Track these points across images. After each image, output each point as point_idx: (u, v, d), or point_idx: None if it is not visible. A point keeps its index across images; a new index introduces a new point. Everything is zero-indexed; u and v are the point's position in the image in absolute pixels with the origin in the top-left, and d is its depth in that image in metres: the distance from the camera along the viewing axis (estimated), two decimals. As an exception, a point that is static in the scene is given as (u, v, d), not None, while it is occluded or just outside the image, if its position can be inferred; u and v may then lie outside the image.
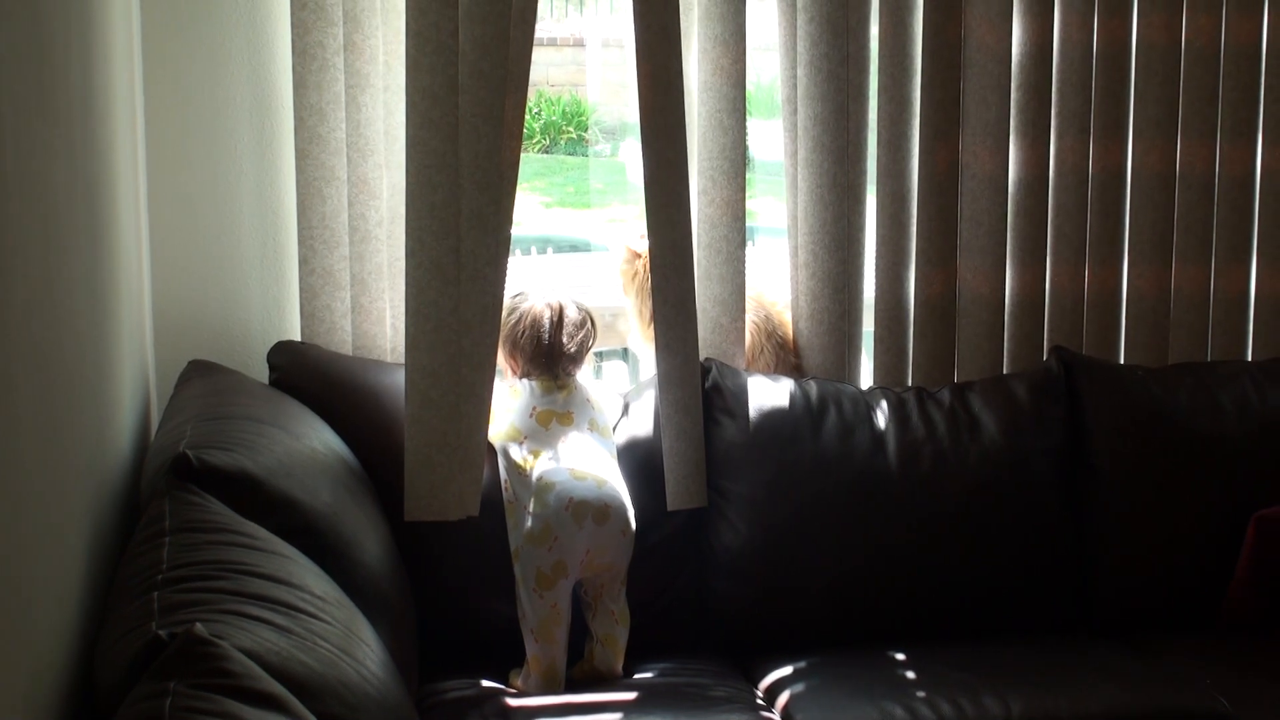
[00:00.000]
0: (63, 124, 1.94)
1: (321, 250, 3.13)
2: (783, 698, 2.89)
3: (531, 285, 3.15)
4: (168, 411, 2.73)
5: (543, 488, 2.91)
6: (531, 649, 2.92)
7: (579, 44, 4.48)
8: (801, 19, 3.27)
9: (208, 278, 3.19)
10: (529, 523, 2.91)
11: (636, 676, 2.97)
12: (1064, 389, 3.32)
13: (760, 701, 2.88)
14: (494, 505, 2.99)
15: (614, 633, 2.98)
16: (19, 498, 1.59)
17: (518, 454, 2.97)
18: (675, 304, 3.06)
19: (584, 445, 3.00)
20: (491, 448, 3.03)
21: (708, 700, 2.82)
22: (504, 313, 3.05)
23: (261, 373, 3.09)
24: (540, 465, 2.94)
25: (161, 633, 1.67)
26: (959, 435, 3.22)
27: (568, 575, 2.90)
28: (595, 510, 2.90)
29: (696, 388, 3.11)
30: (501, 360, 3.09)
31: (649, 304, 3.14)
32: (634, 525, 2.97)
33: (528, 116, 3.01)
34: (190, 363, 3.02)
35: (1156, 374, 3.42)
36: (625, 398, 3.23)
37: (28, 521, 1.64)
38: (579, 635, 2.99)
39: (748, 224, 3.30)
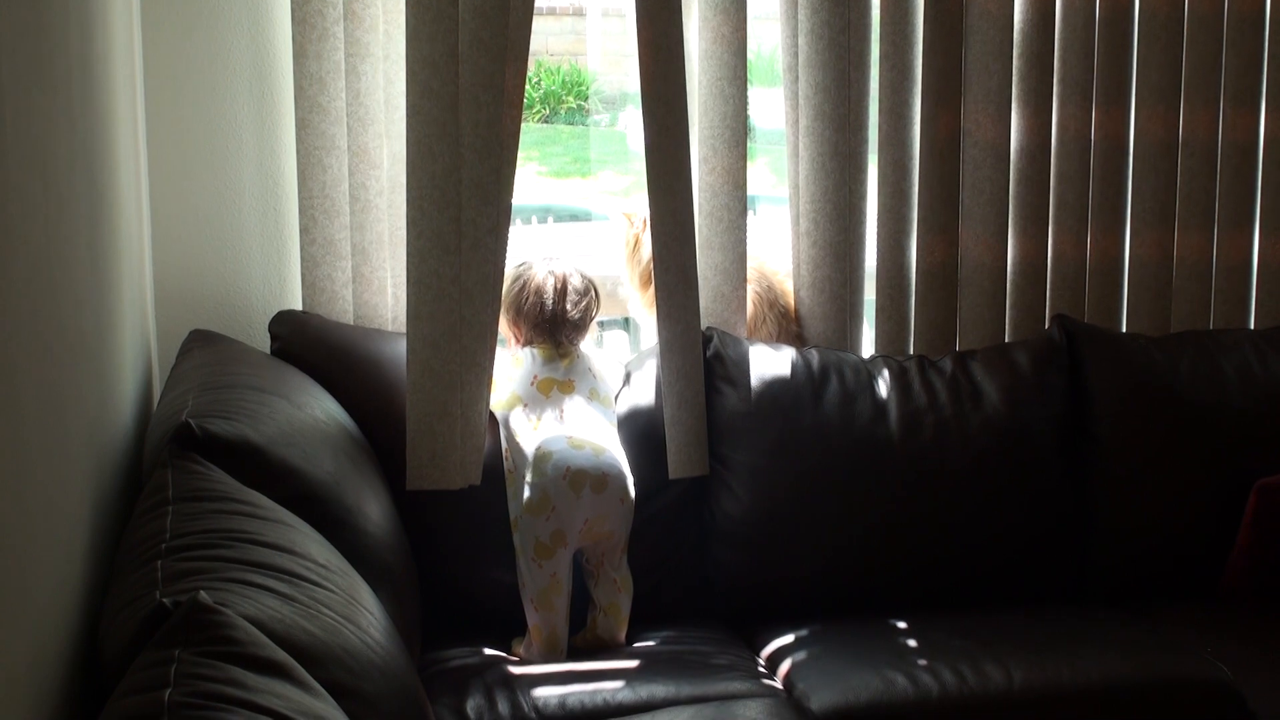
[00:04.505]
0: (62, 93, 1.94)
1: (322, 220, 3.12)
2: (784, 665, 2.90)
3: (537, 254, 3.15)
4: (170, 381, 2.73)
5: (540, 457, 2.91)
6: (532, 618, 2.92)
7: (578, 13, 4.46)
8: (803, -14, 3.26)
9: (209, 247, 3.19)
10: (527, 492, 2.91)
11: (638, 645, 2.97)
12: (1066, 357, 3.32)
13: (762, 669, 2.89)
14: (496, 474, 3.00)
15: (617, 601, 2.99)
16: (21, 468, 1.59)
17: (518, 422, 2.97)
18: (677, 272, 3.06)
19: (583, 414, 3.00)
20: (493, 416, 3.03)
21: (709, 668, 2.83)
22: (508, 281, 3.05)
23: (263, 342, 3.09)
24: (539, 434, 2.94)
25: (166, 601, 1.68)
26: (961, 404, 3.22)
27: (566, 545, 2.91)
28: (593, 479, 2.90)
29: (698, 356, 3.11)
30: (504, 328, 3.09)
31: (649, 272, 3.13)
32: (633, 493, 2.97)
33: (527, 86, 3.00)
34: (192, 332, 3.02)
35: (1158, 342, 3.42)
36: (627, 366, 3.22)
37: (30, 492, 1.64)
38: (582, 603, 3.00)
39: (748, 192, 3.29)
